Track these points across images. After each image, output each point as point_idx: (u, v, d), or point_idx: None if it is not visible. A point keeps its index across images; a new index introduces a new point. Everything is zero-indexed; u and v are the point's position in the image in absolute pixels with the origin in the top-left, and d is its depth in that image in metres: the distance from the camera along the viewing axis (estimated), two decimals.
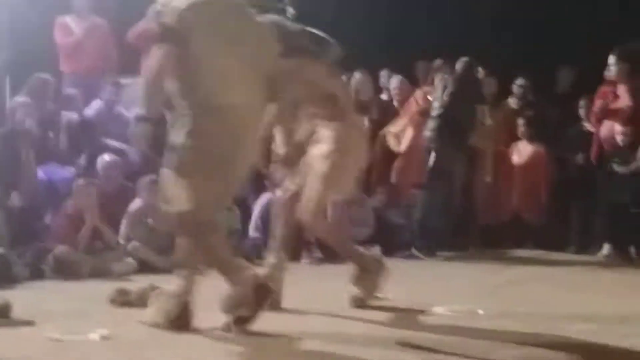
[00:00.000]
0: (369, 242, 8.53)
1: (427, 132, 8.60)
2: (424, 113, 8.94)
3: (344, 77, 5.18)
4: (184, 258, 4.53)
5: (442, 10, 10.47)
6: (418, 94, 9.30)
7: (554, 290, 6.17)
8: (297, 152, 5.09)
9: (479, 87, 9.09)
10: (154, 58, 4.21)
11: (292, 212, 5.17)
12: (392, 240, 8.60)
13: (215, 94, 4.20)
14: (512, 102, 9.72)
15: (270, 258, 5.27)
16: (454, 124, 8.46)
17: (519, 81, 9.62)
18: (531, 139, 9.27)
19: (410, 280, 6.71)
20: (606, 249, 8.38)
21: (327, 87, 5.03)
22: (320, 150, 5.04)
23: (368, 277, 5.23)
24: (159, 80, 4.23)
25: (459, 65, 8.74)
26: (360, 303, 5.18)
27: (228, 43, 4.24)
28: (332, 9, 10.56)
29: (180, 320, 4.35)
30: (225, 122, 4.19)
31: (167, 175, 4.31)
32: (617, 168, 8.49)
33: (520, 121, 9.35)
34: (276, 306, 5.14)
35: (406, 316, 4.91)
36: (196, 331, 4.35)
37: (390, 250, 8.49)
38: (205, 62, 4.18)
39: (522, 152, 9.32)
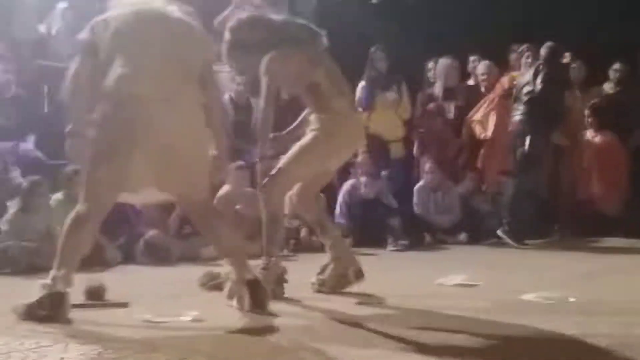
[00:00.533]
0: (455, 229, 8.53)
1: (517, 117, 8.46)
2: (507, 96, 8.82)
3: (330, 65, 5.13)
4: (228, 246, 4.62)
5: None
6: (504, 79, 9.18)
7: None
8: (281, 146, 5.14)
9: (567, 73, 8.94)
10: (70, 72, 4.33)
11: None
12: (478, 227, 8.54)
13: (121, 85, 4.26)
14: (608, 87, 9.52)
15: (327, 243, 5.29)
16: (546, 109, 8.32)
17: (616, 65, 9.42)
18: (598, 128, 9.06)
19: (499, 267, 6.67)
20: None
21: (309, 76, 5.02)
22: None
23: None
24: (79, 92, 4.33)
25: (544, 51, 8.57)
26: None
27: (144, 43, 4.34)
28: None
29: (253, 304, 4.43)
30: (124, 111, 4.23)
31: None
32: None
33: (587, 111, 9.16)
34: (360, 277, 5.19)
35: (496, 303, 4.86)
36: (282, 314, 4.40)
37: (477, 237, 8.46)
38: (115, 57, 4.29)
39: (592, 140, 9.14)
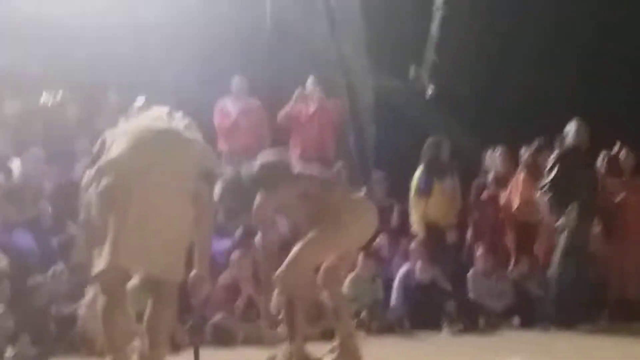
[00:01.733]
0: (508, 313, 8.43)
1: (546, 212, 8.39)
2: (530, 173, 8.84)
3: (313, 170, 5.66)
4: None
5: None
6: (525, 156, 9.16)
7: None
8: None
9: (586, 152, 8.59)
10: None
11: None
12: (531, 311, 8.42)
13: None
14: None
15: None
16: (567, 196, 8.20)
17: None
18: None
19: (552, 351, 6.58)
20: None
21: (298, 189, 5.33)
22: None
23: None
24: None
25: (567, 129, 8.45)
26: None
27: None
28: (473, 85, 10.69)
29: None
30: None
31: None
32: None
33: None
34: None
35: None
36: None
37: (529, 321, 8.33)
38: None
39: None
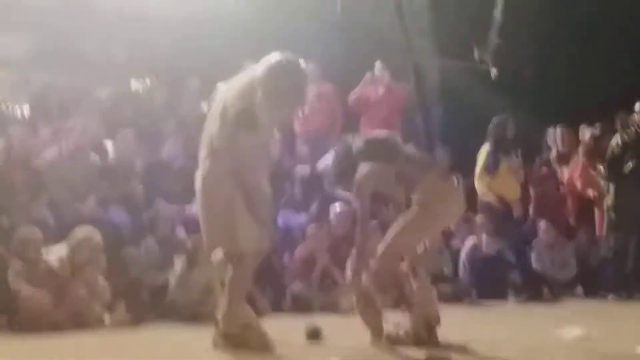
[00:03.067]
0: (571, 282, 8.27)
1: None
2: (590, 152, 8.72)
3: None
4: None
5: None
6: (586, 136, 9.00)
7: None
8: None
9: None
10: None
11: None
12: (593, 280, 8.24)
13: None
14: None
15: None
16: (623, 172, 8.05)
17: None
18: None
19: (613, 320, 6.41)
20: None
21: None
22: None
23: None
24: None
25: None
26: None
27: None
28: (534, 67, 10.46)
29: None
30: None
31: None
32: None
33: None
34: None
35: (610, 356, 4.68)
36: None
37: (592, 290, 8.17)
38: None
39: None
